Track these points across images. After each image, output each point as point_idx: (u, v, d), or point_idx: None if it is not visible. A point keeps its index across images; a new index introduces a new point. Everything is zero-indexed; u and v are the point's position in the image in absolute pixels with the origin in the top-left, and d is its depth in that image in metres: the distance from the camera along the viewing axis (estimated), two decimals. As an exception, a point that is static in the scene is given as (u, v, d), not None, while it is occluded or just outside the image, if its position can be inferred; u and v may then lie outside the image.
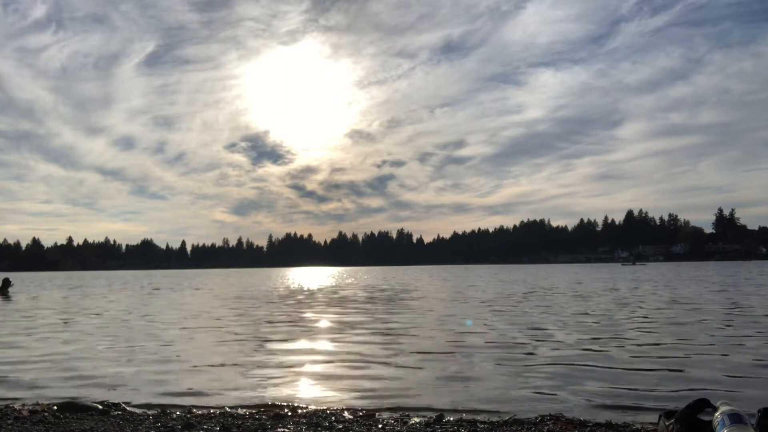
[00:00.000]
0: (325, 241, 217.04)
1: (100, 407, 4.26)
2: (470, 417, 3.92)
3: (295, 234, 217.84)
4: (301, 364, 6.20)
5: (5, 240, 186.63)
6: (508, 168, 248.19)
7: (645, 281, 27.51)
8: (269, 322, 10.70)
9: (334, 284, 31.76)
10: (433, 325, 9.83)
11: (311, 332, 9.11)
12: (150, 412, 4.16)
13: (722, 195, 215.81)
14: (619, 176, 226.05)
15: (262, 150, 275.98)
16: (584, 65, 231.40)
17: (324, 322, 10.64)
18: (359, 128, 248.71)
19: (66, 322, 11.36)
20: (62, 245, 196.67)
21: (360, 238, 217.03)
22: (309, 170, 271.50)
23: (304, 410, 4.17)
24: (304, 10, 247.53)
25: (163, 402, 4.53)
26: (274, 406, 4.35)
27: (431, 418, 3.87)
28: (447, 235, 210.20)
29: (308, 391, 4.95)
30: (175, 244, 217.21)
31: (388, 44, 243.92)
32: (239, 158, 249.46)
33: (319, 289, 24.94)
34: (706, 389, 4.63)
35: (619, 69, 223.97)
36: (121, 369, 6.02)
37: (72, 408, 4.22)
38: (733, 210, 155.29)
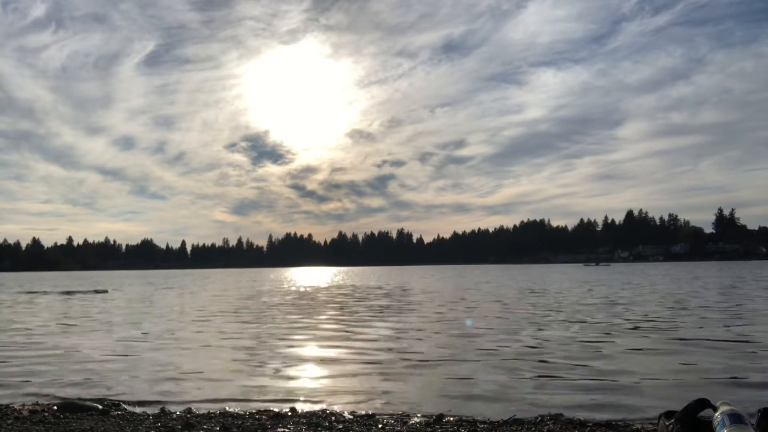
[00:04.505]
0: (325, 241, 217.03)
1: (100, 407, 4.26)
2: (470, 417, 3.92)
3: (295, 234, 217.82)
4: (301, 366, 6.20)
5: (5, 240, 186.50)
6: (508, 168, 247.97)
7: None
8: (273, 323, 10.70)
9: (333, 285, 31.75)
10: (432, 325, 9.83)
11: (311, 334, 9.10)
12: (150, 412, 4.16)
13: (722, 195, 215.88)
14: (619, 176, 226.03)
15: (262, 150, 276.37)
16: (585, 65, 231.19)
17: (324, 324, 10.64)
18: (359, 128, 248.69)
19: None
20: (62, 245, 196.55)
21: (360, 238, 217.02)
22: (309, 170, 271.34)
23: (304, 410, 4.17)
24: (305, 9, 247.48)
25: (163, 402, 4.53)
26: (274, 406, 4.35)
27: (431, 418, 3.87)
28: (447, 235, 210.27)
29: (308, 391, 4.95)
30: (175, 244, 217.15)
31: (388, 44, 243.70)
32: (239, 158, 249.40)
33: (318, 290, 24.95)
34: (706, 389, 4.63)
35: (620, 68, 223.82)
36: (122, 369, 6.04)
37: (72, 408, 4.23)
38: (733, 210, 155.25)
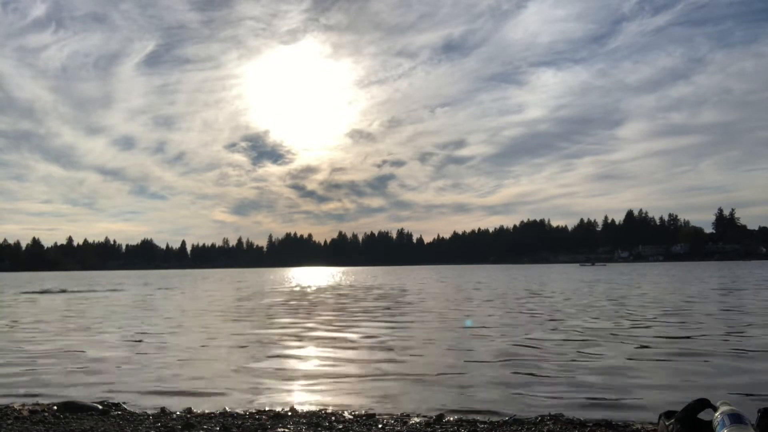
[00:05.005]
0: (325, 241, 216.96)
1: (100, 407, 4.26)
2: (470, 417, 3.92)
3: (295, 234, 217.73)
4: (301, 366, 6.20)
5: (5, 240, 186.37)
6: (508, 168, 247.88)
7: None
8: (268, 325, 10.70)
9: (332, 285, 31.75)
10: (431, 325, 9.84)
11: (305, 337, 9.10)
12: (150, 412, 4.16)
13: (722, 195, 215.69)
14: (619, 176, 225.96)
15: (262, 150, 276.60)
16: (585, 65, 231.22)
17: (320, 326, 10.64)
18: (359, 128, 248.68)
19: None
20: (62, 245, 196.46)
21: (360, 238, 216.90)
22: (309, 170, 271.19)
23: (304, 410, 4.17)
24: (305, 9, 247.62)
25: (163, 402, 4.53)
26: (274, 406, 4.35)
27: (431, 418, 3.87)
28: (447, 235, 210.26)
29: (308, 392, 4.95)
30: (175, 244, 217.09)
31: (388, 44, 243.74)
32: (239, 158, 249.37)
33: (317, 291, 24.94)
34: (706, 389, 4.63)
35: (620, 68, 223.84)
36: (122, 368, 6.04)
37: (72, 408, 4.22)
38: (733, 210, 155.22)
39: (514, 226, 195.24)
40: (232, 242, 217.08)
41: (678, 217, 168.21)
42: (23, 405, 4.44)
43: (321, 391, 4.92)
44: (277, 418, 3.92)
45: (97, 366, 6.23)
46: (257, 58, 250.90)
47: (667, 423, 2.94)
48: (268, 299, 18.26)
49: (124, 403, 4.48)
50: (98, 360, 6.65)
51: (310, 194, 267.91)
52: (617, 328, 8.77)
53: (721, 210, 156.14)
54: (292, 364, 6.24)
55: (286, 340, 8.07)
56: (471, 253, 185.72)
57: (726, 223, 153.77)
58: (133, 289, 27.08)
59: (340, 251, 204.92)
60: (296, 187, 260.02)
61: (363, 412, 4.10)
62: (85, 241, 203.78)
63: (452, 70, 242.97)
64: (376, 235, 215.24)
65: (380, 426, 3.68)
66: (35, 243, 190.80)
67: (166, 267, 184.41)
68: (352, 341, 7.88)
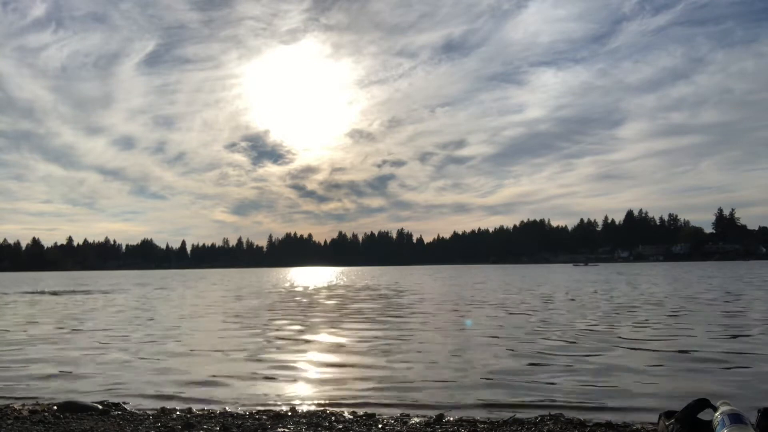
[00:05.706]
0: (325, 241, 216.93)
1: (100, 407, 4.26)
2: (470, 417, 3.92)
3: (295, 234, 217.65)
4: (298, 367, 6.20)
5: (5, 240, 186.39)
6: (508, 168, 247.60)
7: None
8: (269, 320, 10.71)
9: (331, 285, 31.74)
10: (430, 326, 9.83)
11: (296, 340, 9.10)
12: (150, 412, 4.16)
13: (722, 195, 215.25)
14: (619, 176, 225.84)
15: (262, 150, 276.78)
16: (585, 64, 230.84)
17: (316, 326, 10.63)
18: (360, 128, 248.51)
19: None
20: (62, 245, 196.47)
21: (360, 238, 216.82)
22: (309, 170, 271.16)
23: (304, 410, 4.17)
24: (305, 9, 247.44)
25: (163, 402, 4.53)
26: (274, 406, 4.35)
27: (431, 418, 3.87)
28: (447, 235, 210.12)
29: (308, 391, 4.95)
30: (175, 244, 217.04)
31: (389, 43, 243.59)
32: (239, 158, 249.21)
33: (315, 291, 24.94)
34: (706, 389, 4.63)
35: (620, 68, 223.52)
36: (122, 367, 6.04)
37: (72, 408, 4.22)
38: (733, 210, 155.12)
39: (514, 226, 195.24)
40: (232, 242, 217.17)
41: (678, 217, 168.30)
42: (23, 405, 4.44)
43: (319, 392, 4.92)
44: (277, 418, 3.92)
45: (96, 367, 6.23)
46: (257, 58, 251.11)
47: (667, 423, 2.94)
48: (265, 300, 18.26)
49: (124, 403, 4.48)
50: (97, 361, 6.65)
51: (310, 194, 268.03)
52: (615, 330, 8.77)
53: (721, 210, 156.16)
54: (289, 366, 6.23)
55: (282, 342, 8.07)
56: (471, 253, 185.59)
57: (726, 223, 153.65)
58: (129, 290, 27.07)
59: (340, 251, 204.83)
60: (296, 187, 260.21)
61: (363, 412, 4.10)
62: (85, 241, 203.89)
63: (452, 70, 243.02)
64: (376, 235, 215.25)
65: (380, 426, 3.68)
66: (35, 243, 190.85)
67: (166, 267, 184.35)
68: (348, 344, 7.87)
